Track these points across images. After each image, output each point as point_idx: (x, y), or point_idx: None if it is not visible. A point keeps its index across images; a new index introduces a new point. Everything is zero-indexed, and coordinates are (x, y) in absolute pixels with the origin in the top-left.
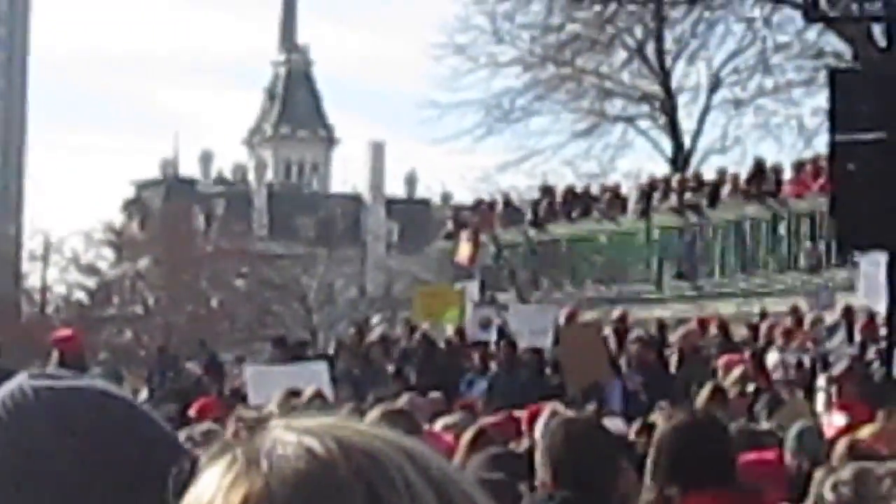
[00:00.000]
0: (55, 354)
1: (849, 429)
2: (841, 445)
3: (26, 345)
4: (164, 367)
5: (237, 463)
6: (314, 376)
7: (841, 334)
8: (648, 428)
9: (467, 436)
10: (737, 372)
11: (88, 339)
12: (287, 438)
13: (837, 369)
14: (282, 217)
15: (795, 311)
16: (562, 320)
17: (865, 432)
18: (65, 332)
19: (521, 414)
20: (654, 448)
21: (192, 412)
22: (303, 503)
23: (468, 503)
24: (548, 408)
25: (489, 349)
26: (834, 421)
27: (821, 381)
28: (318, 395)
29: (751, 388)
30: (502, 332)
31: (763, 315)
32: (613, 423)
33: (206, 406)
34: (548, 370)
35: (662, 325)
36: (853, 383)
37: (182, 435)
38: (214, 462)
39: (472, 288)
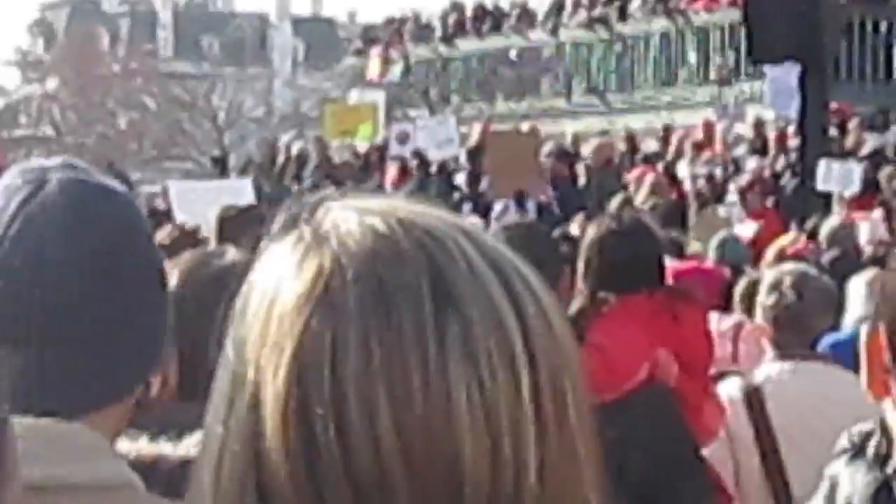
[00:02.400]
0: None
1: (764, 237)
2: (770, 253)
3: None
4: None
5: (305, 239)
6: (239, 192)
7: (750, 145)
8: (566, 238)
9: None
10: (648, 182)
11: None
12: (349, 216)
13: (745, 179)
14: (188, 37)
15: (705, 124)
16: (475, 136)
17: (787, 240)
18: None
19: None
20: (584, 253)
21: None
22: (371, 275)
23: (519, 278)
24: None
25: (406, 164)
26: (744, 230)
27: (731, 192)
28: (253, 206)
29: (662, 199)
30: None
31: (671, 128)
32: None
33: None
34: (459, 180)
35: (576, 140)
36: (762, 193)
37: None
38: (279, 239)
39: (379, 101)
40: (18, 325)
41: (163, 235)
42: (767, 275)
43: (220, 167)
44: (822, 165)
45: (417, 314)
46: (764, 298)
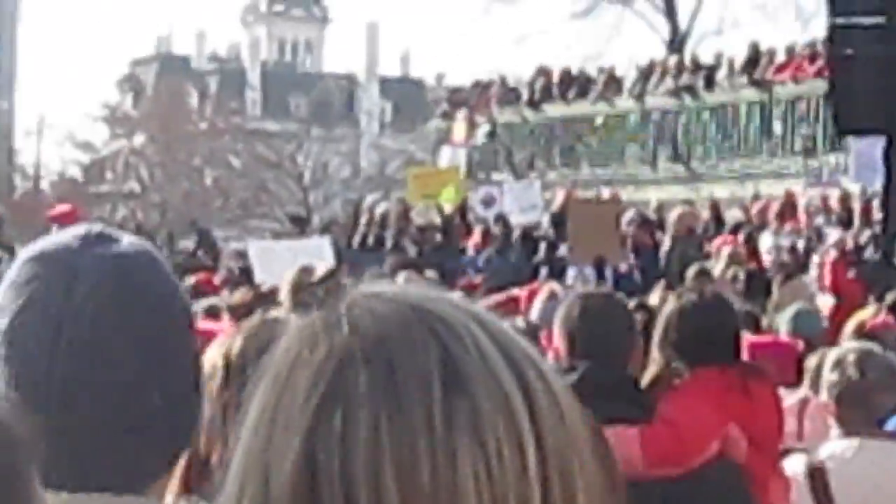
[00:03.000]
0: (54, 231)
1: (839, 310)
2: (849, 327)
3: (20, 220)
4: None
5: (317, 324)
6: (318, 252)
7: (834, 217)
8: (642, 307)
9: None
10: (725, 253)
11: (84, 215)
12: (362, 303)
13: (829, 252)
14: (276, 95)
15: (789, 195)
16: (559, 201)
17: (866, 314)
18: (63, 208)
19: (520, 292)
20: (662, 323)
21: (190, 283)
22: (382, 360)
23: (529, 362)
24: (546, 288)
25: (489, 227)
26: (824, 302)
27: (813, 263)
28: (332, 272)
29: (742, 270)
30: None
31: (756, 198)
32: None
33: (204, 280)
34: (541, 247)
35: (660, 208)
36: (845, 266)
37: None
38: (294, 325)
39: (462, 163)
40: (83, 411)
41: (237, 297)
42: (832, 352)
43: (300, 226)
44: None
45: (427, 398)
46: (828, 375)
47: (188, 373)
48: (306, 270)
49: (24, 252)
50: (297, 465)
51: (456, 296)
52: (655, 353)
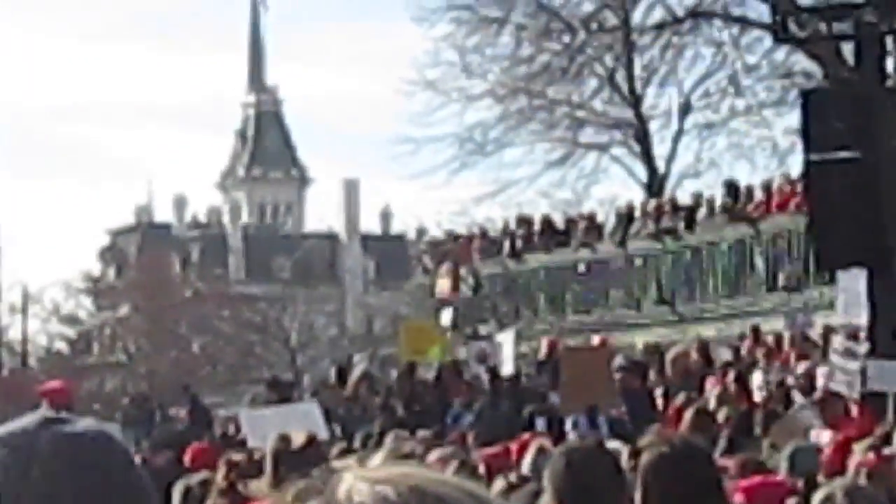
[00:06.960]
0: (44, 407)
1: (841, 445)
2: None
3: (9, 398)
4: (141, 417)
5: None
6: (307, 416)
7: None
8: (638, 453)
9: (450, 469)
10: (715, 393)
11: (74, 389)
12: (361, 487)
13: (820, 388)
14: (258, 259)
15: (775, 333)
16: (544, 350)
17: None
18: (53, 384)
19: (512, 446)
20: (641, 477)
21: (186, 460)
22: None
23: None
24: (534, 443)
25: (476, 383)
26: (822, 438)
27: (804, 400)
28: (311, 440)
29: (733, 410)
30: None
31: (743, 336)
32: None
33: (198, 453)
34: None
35: (646, 350)
36: (836, 401)
37: (180, 486)
38: None
39: (447, 317)
40: None
41: (224, 468)
42: (820, 490)
43: (277, 391)
44: (872, 366)
45: None
46: None
47: None
48: (285, 439)
49: None
50: None
51: (453, 476)
52: None
